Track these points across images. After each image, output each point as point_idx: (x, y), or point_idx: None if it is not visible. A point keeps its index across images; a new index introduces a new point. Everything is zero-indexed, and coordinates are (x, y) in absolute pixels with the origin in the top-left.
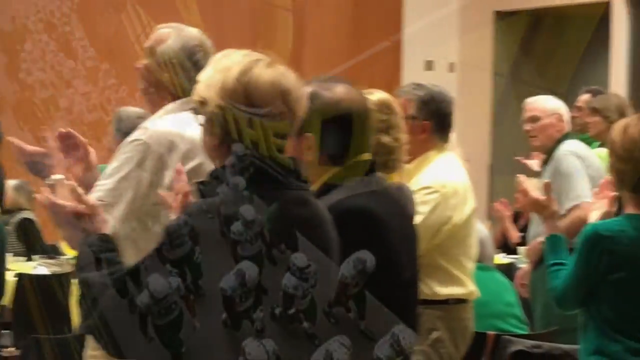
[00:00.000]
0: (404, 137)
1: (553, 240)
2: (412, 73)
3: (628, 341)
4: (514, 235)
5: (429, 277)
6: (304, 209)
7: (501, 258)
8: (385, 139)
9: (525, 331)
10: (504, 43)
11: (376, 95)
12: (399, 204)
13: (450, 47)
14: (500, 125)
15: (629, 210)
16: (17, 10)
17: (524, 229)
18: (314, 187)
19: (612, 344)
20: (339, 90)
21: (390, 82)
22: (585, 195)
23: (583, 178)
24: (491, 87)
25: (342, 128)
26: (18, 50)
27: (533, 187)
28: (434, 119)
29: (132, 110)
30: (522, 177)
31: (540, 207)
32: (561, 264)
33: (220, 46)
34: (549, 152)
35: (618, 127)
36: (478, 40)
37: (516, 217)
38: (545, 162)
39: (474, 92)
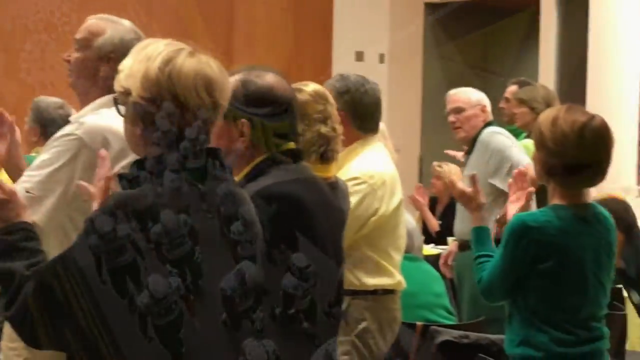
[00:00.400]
0: (339, 127)
1: (479, 233)
2: (342, 64)
3: (554, 331)
4: (434, 223)
5: (357, 268)
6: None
7: (430, 249)
8: (324, 129)
9: (453, 321)
10: (434, 34)
11: (311, 87)
12: (325, 194)
13: (380, 38)
14: (431, 116)
15: (555, 201)
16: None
17: (442, 216)
18: (243, 172)
19: (538, 335)
20: (270, 78)
21: (321, 72)
22: (524, 159)
23: (515, 148)
24: (421, 79)
25: (274, 115)
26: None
27: (453, 174)
28: (350, 110)
29: (52, 100)
30: (437, 163)
31: (466, 200)
32: (488, 255)
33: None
34: (471, 142)
35: (545, 118)
36: (408, 32)
37: (433, 203)
38: (468, 152)
39: (404, 83)
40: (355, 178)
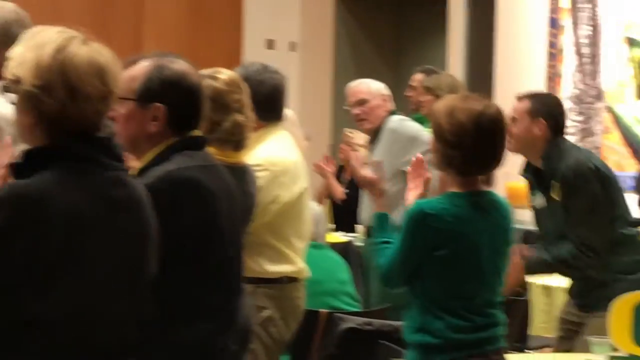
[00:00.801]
0: (252, 115)
1: (380, 219)
2: (253, 52)
3: (451, 318)
4: (339, 190)
5: (259, 255)
6: (120, 190)
7: (339, 236)
8: (240, 118)
9: (357, 308)
10: (345, 23)
11: (225, 74)
12: (227, 181)
13: (291, 26)
14: (342, 105)
15: (452, 188)
16: None
17: (350, 185)
18: (148, 157)
19: (435, 321)
20: (183, 64)
21: (231, 60)
22: None
23: (426, 134)
24: (332, 67)
25: (186, 100)
26: None
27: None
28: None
29: None
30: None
31: (369, 185)
32: (388, 242)
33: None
34: (375, 132)
35: (442, 108)
36: (319, 20)
37: (340, 171)
38: (372, 141)
39: (315, 71)
40: (257, 165)
